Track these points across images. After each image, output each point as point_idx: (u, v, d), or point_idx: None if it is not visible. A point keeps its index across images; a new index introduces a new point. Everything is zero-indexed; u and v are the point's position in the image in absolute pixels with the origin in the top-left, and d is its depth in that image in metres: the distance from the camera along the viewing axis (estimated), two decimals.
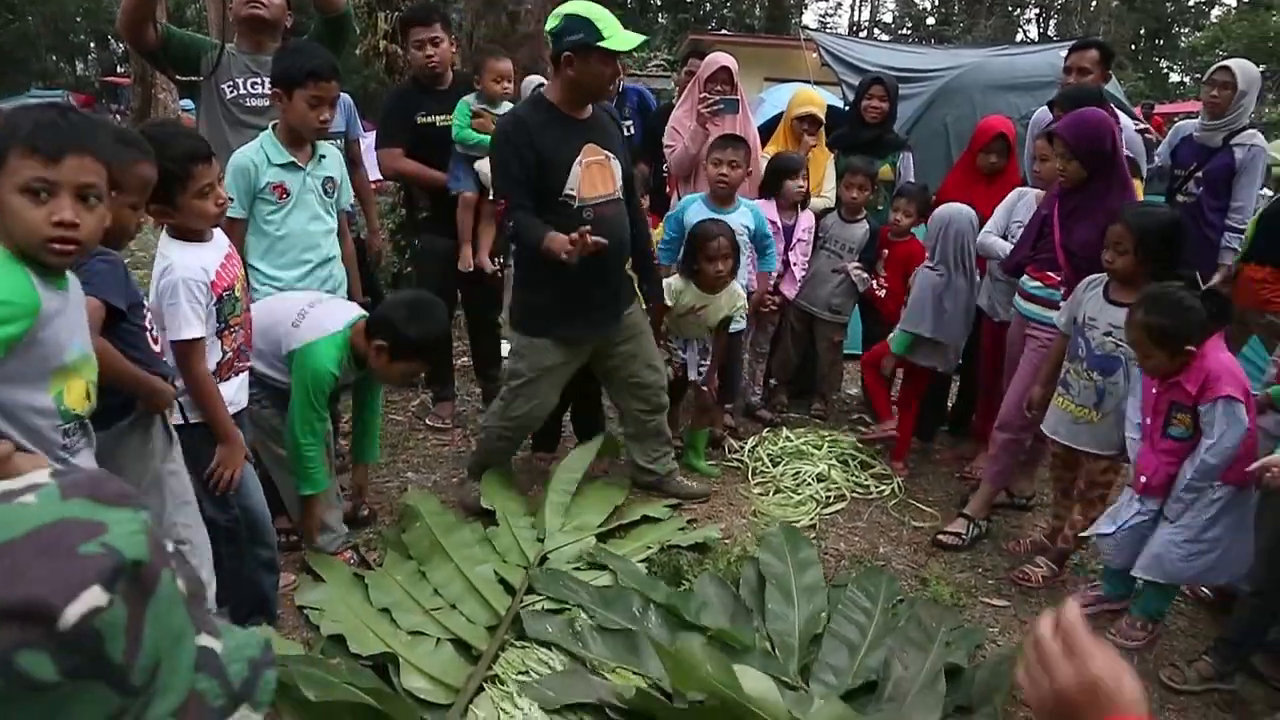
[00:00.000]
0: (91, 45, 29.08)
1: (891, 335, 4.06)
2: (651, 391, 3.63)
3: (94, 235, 1.60)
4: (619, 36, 3.03)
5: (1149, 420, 2.79)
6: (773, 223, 4.21)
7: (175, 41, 3.30)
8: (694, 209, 3.97)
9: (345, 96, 4.09)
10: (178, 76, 3.33)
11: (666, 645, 2.39)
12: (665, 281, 3.75)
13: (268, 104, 3.20)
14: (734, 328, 4.03)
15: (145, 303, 2.03)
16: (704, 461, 4.10)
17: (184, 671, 0.66)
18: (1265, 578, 2.66)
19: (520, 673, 2.47)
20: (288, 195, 2.98)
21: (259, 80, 3.27)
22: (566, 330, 3.35)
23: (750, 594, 2.90)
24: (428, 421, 4.43)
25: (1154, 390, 2.77)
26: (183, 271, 2.25)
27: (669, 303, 3.74)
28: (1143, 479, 2.80)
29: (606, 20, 3.02)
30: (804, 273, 4.44)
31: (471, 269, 4.07)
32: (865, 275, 4.36)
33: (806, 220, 4.40)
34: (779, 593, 2.87)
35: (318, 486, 2.88)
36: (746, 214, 4.03)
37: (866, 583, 2.98)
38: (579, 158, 3.16)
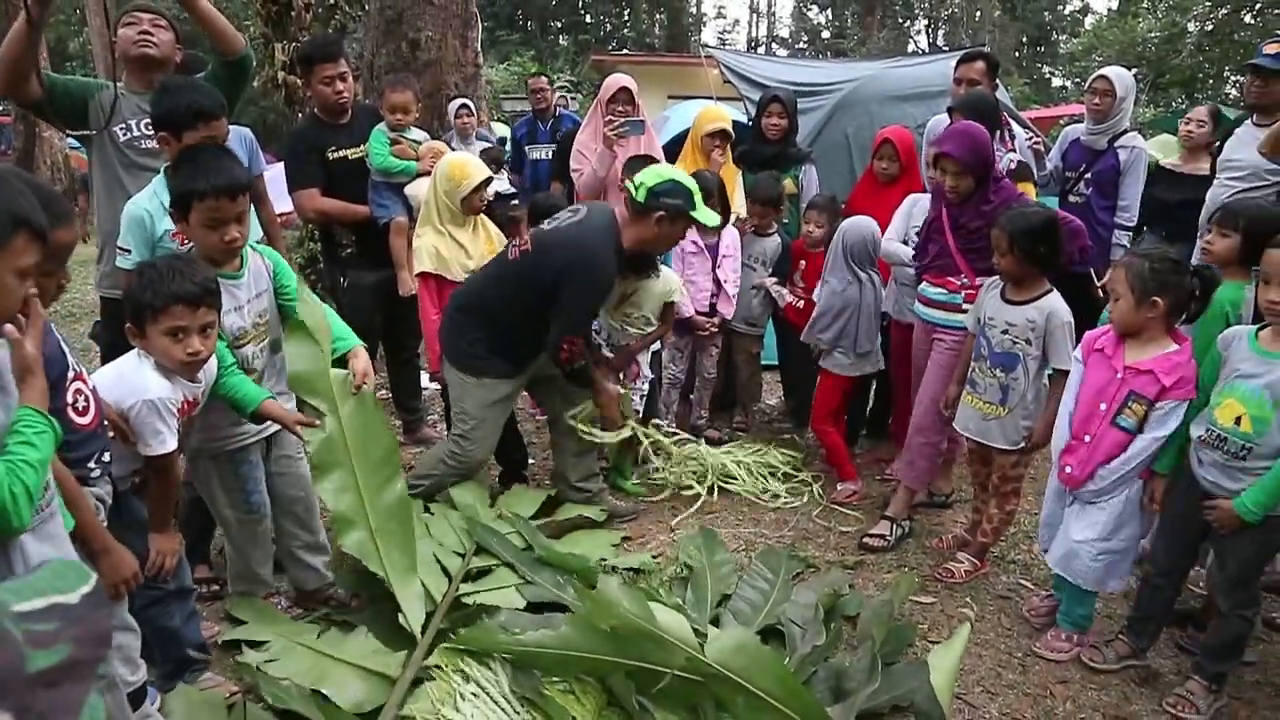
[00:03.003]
0: None
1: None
2: (584, 395, 3.67)
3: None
4: (708, 213, 3.44)
5: (1103, 407, 2.76)
6: (695, 243, 4.27)
7: (60, 91, 3.12)
8: None
9: (246, 131, 4.00)
10: (68, 131, 3.13)
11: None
12: None
13: None
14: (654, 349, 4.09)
15: (69, 367, 1.87)
16: (630, 481, 4.11)
17: None
18: (1166, 556, 2.79)
19: (457, 671, 2.44)
20: (189, 240, 2.88)
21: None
22: (509, 362, 3.41)
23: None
24: None
25: (1118, 375, 2.74)
26: (158, 393, 2.25)
27: None
28: (1067, 469, 2.85)
29: (700, 195, 3.41)
30: (736, 289, 4.44)
31: (413, 293, 4.05)
32: (783, 291, 4.44)
33: (730, 236, 4.42)
34: (695, 581, 3.12)
35: (255, 398, 2.61)
36: None
37: (769, 558, 3.33)
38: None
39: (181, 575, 2.49)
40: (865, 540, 3.61)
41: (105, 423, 2.03)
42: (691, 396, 4.77)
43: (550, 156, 6.53)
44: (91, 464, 1.93)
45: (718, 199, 4.23)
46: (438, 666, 2.42)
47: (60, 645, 0.65)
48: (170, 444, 2.28)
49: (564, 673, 2.39)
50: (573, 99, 14.97)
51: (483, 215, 3.86)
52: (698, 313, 4.36)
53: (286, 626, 2.78)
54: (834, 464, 4.20)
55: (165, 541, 2.36)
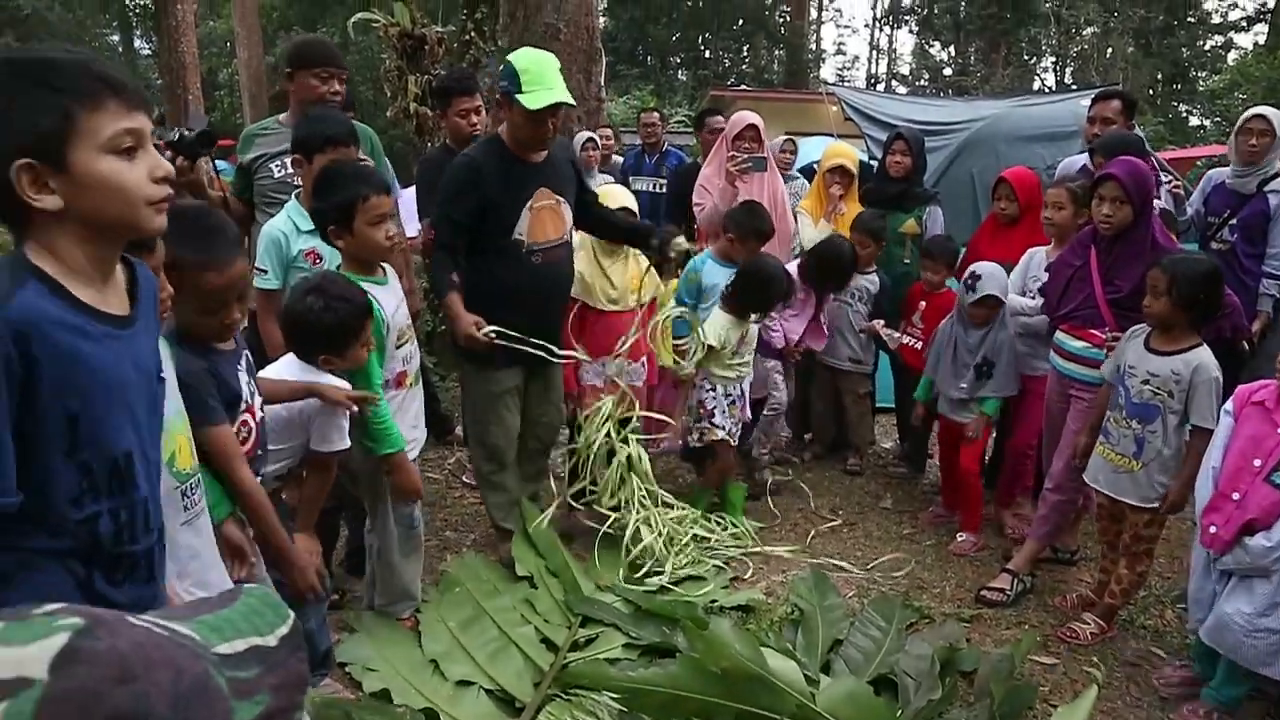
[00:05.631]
0: None
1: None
2: (551, 431, 3.67)
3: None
4: (536, 94, 3.01)
5: (1258, 463, 2.56)
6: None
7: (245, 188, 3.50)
8: (709, 268, 4.07)
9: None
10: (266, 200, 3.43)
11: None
12: (710, 326, 3.79)
13: None
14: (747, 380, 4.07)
15: (243, 398, 2.04)
16: (742, 517, 4.04)
17: None
18: None
19: None
20: (320, 259, 3.00)
21: None
22: (510, 355, 3.30)
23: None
24: (464, 479, 4.43)
25: (1279, 430, 2.56)
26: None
27: (716, 345, 3.78)
28: (1211, 529, 2.64)
29: (534, 74, 3.04)
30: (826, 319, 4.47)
31: None
32: (894, 333, 4.39)
33: None
34: (806, 625, 3.06)
35: (398, 443, 2.71)
36: None
37: (881, 606, 3.22)
38: (530, 202, 3.20)
39: (322, 577, 2.56)
40: (983, 593, 3.48)
41: (261, 451, 2.15)
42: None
43: (654, 189, 6.62)
44: None
45: (835, 266, 4.21)
46: None
47: (260, 695, 0.62)
48: (348, 440, 2.42)
49: (673, 715, 2.37)
50: (690, 133, 15.08)
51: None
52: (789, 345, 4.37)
53: (403, 652, 2.83)
54: (966, 512, 4.02)
55: (308, 543, 2.44)
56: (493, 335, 3.07)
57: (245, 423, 2.04)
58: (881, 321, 4.42)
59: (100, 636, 0.55)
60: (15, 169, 1.18)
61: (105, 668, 0.53)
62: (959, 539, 3.94)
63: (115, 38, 29.14)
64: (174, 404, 1.65)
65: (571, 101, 3.14)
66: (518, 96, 3.03)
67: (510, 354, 3.25)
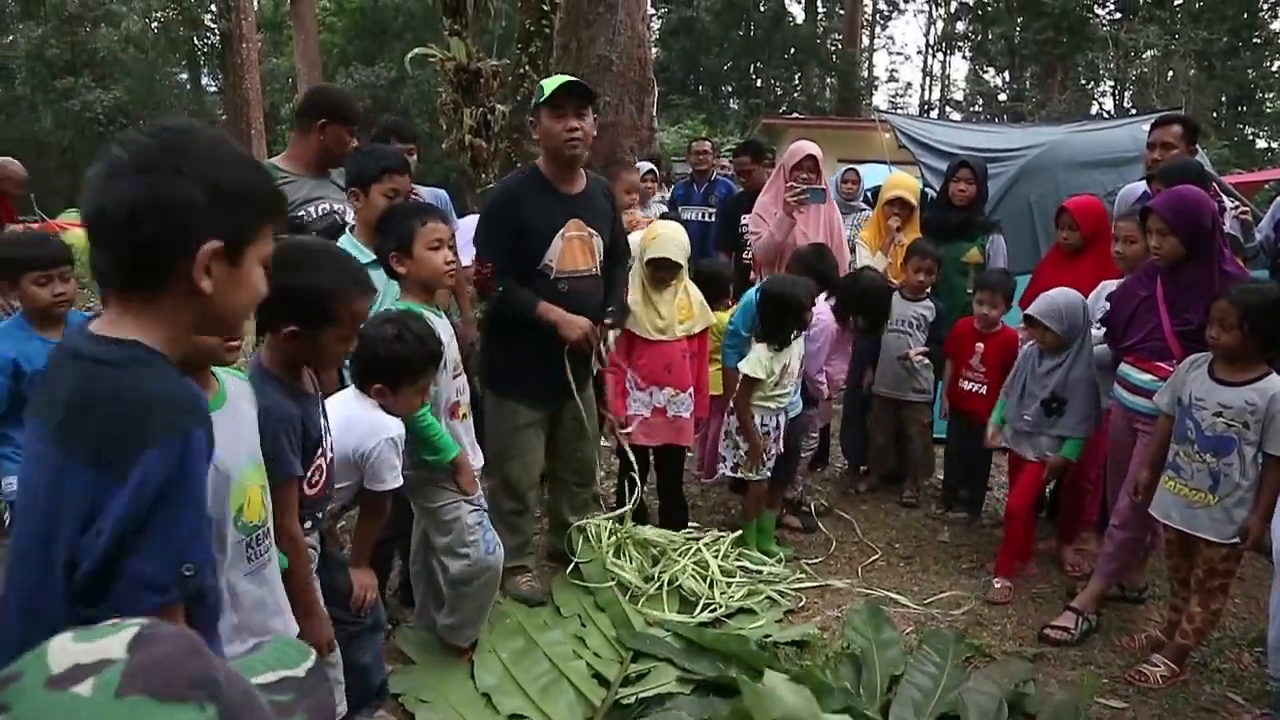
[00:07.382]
0: None
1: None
2: (586, 465, 3.68)
3: None
4: (550, 89, 3.19)
5: None
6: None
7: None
8: None
9: (441, 192, 4.26)
10: None
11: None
12: (751, 359, 3.74)
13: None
14: (793, 412, 4.01)
15: (321, 442, 2.04)
16: (773, 544, 4.02)
17: None
18: None
19: None
20: (375, 292, 3.05)
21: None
22: (535, 389, 3.37)
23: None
24: None
25: None
26: (397, 430, 2.45)
27: (763, 377, 3.73)
28: None
29: (553, 81, 3.24)
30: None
31: None
32: (926, 360, 4.39)
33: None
34: (864, 662, 3.00)
35: (455, 447, 2.77)
36: None
37: (934, 641, 3.14)
38: (561, 231, 3.28)
39: (377, 611, 2.57)
40: (1047, 632, 3.37)
41: (329, 491, 2.17)
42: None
43: (703, 218, 6.61)
44: (308, 524, 2.07)
45: (867, 305, 4.15)
46: None
47: (297, 716, 0.70)
48: (401, 479, 2.43)
49: None
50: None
51: (688, 281, 3.92)
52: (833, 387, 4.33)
53: (455, 683, 2.83)
54: (1003, 553, 3.82)
55: (365, 576, 2.46)
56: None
57: (320, 467, 2.05)
58: (920, 350, 4.40)
59: (163, 629, 0.67)
60: (208, 248, 1.20)
61: (178, 644, 0.65)
62: (996, 585, 3.73)
63: (184, 76, 30.23)
64: (247, 451, 1.64)
65: (583, 82, 3.26)
66: (540, 103, 3.18)
67: (540, 389, 3.35)
